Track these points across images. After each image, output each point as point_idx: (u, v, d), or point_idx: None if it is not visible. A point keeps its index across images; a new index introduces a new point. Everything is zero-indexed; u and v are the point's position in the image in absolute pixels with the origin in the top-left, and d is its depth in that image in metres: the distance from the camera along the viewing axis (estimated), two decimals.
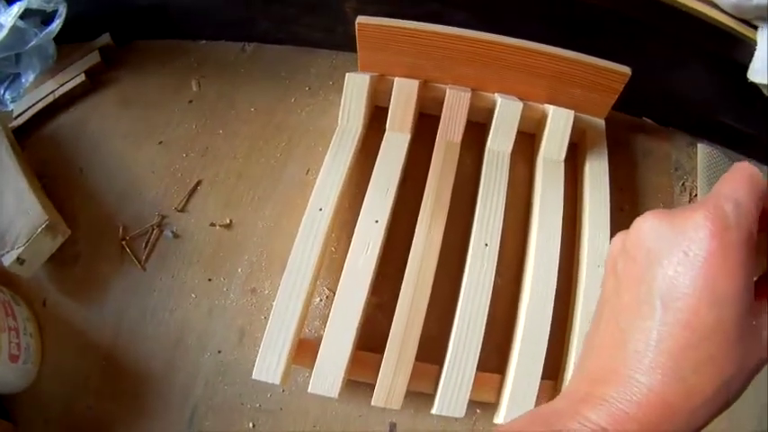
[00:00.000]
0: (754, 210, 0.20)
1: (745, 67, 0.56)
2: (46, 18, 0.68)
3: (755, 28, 0.56)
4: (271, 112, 0.64)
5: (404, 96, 0.58)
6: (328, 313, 0.51)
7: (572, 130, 0.59)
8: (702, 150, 0.66)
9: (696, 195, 0.65)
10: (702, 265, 0.20)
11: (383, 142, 0.58)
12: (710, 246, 0.20)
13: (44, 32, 0.67)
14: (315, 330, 0.56)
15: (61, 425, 0.54)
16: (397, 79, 0.59)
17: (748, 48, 0.56)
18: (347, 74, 0.58)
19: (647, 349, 0.21)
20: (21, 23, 0.66)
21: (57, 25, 0.66)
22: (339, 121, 0.59)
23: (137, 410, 0.54)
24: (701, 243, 0.20)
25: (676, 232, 0.21)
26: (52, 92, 0.68)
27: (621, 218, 0.61)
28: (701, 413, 0.20)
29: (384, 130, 0.59)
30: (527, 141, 0.63)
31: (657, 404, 0.20)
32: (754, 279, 0.21)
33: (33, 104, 0.68)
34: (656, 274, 0.21)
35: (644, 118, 0.68)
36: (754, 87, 0.56)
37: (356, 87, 0.58)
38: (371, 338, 0.53)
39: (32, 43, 0.67)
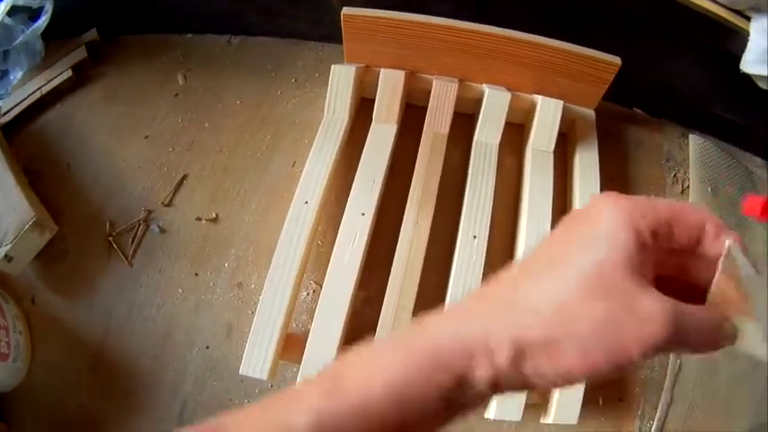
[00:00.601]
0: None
1: (738, 58, 0.55)
2: (33, 14, 0.67)
3: (748, 19, 0.54)
4: (257, 104, 0.63)
5: (390, 87, 0.57)
6: (315, 307, 0.49)
7: (561, 121, 0.58)
8: (694, 141, 0.65)
9: (688, 186, 0.63)
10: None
11: (369, 134, 0.56)
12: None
13: (31, 29, 0.65)
14: (302, 325, 0.54)
15: (52, 422, 0.53)
16: (383, 70, 0.57)
17: (741, 39, 0.55)
18: (333, 65, 0.57)
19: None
20: (7, 20, 0.65)
21: (43, 21, 0.65)
22: (325, 113, 0.57)
23: (127, 407, 0.53)
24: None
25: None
26: (39, 88, 0.66)
27: None
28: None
29: (370, 121, 0.57)
30: (515, 132, 0.62)
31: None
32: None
33: (21, 101, 0.66)
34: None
35: (635, 109, 0.67)
36: (747, 78, 0.55)
37: (342, 79, 0.56)
38: (360, 332, 0.52)
39: (19, 40, 0.66)
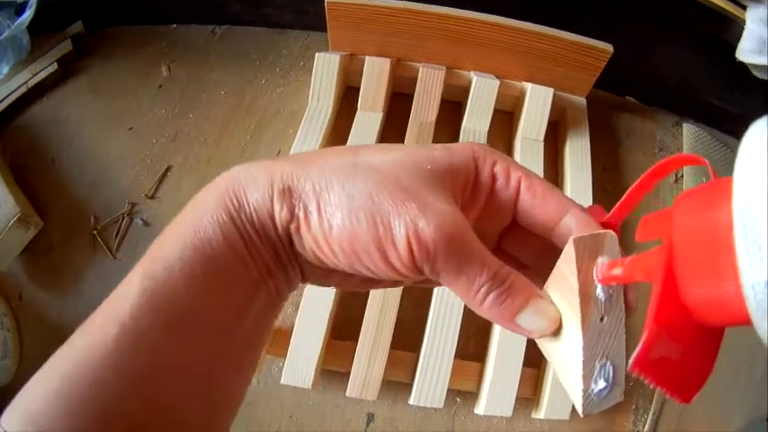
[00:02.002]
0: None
1: (733, 47, 0.53)
2: (18, 8, 0.64)
3: (744, 8, 0.52)
4: (241, 94, 0.60)
5: (375, 75, 0.54)
6: (301, 300, 0.47)
7: (552, 109, 0.55)
8: (688, 130, 0.62)
9: (682, 176, 0.60)
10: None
11: (354, 122, 0.54)
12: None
13: (16, 23, 0.63)
14: (289, 318, 0.52)
15: None
16: (368, 58, 0.54)
17: (737, 27, 0.52)
18: (317, 53, 0.54)
19: None
20: None
21: (28, 15, 0.62)
22: (309, 102, 0.55)
23: None
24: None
25: None
26: (25, 82, 0.64)
27: (605, 198, 0.57)
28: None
29: (356, 110, 0.55)
30: (505, 120, 0.59)
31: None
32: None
33: (6, 96, 0.64)
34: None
35: (627, 97, 0.64)
36: (742, 67, 0.53)
37: (326, 67, 0.53)
38: (346, 326, 0.49)
39: (5, 35, 0.63)
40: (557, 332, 0.18)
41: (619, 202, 0.20)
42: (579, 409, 0.18)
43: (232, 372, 0.20)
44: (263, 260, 0.19)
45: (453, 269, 0.18)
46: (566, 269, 0.18)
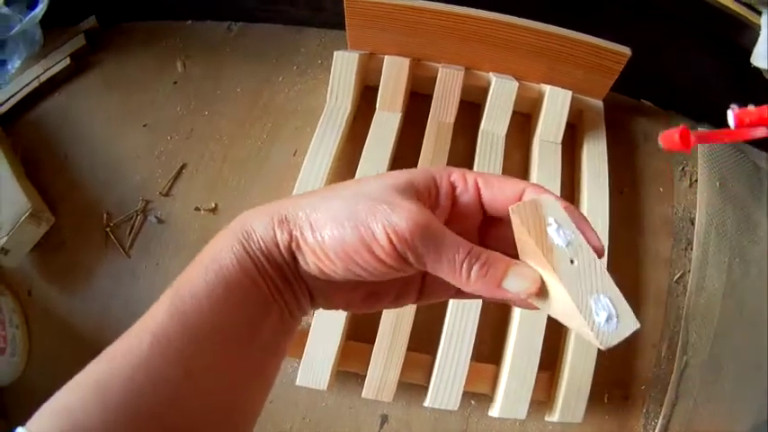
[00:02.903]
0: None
1: (748, 52, 0.52)
2: (31, 2, 0.63)
3: (759, 13, 0.52)
4: (257, 92, 0.59)
5: (394, 74, 0.53)
6: None
7: (569, 112, 0.54)
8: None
9: (696, 180, 0.59)
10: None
11: (373, 122, 0.52)
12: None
13: (28, 17, 0.62)
14: (305, 319, 0.51)
15: None
16: (387, 57, 0.53)
17: (752, 32, 0.52)
18: (335, 52, 0.53)
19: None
20: (5, 10, 0.61)
21: (41, 9, 0.61)
22: (327, 101, 0.53)
23: None
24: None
25: None
26: (37, 77, 0.63)
27: (620, 201, 0.56)
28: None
29: (374, 109, 0.53)
30: (522, 122, 0.58)
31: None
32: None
33: (18, 90, 0.63)
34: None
35: (643, 101, 0.63)
36: (757, 72, 0.52)
37: (345, 66, 0.52)
38: (362, 328, 0.49)
39: (17, 29, 0.62)
40: (544, 292, 0.21)
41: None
42: (598, 345, 0.19)
43: (251, 379, 0.23)
44: (272, 280, 0.22)
45: (433, 252, 0.20)
46: (520, 234, 0.21)
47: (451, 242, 0.21)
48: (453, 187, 0.23)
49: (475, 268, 0.20)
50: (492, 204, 0.23)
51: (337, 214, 0.21)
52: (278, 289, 0.22)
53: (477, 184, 0.23)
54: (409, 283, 0.25)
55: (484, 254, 0.21)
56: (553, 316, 0.21)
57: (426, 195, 0.22)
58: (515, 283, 0.21)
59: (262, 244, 0.22)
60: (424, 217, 0.20)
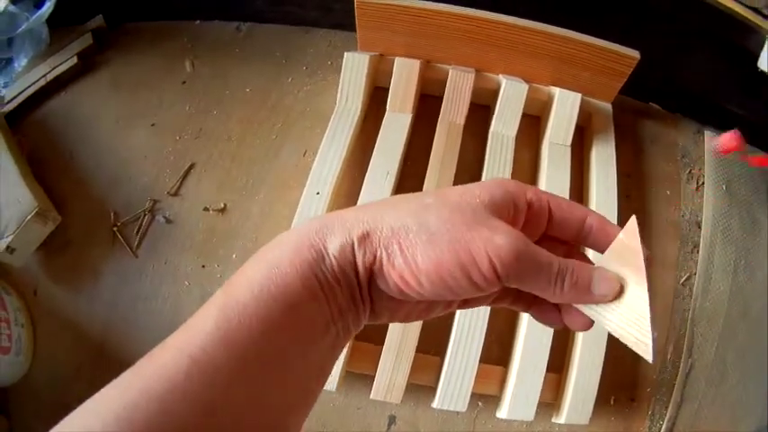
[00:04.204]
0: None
1: (755, 56, 0.53)
2: (38, 1, 0.62)
3: (766, 18, 0.52)
4: (266, 92, 0.58)
5: (405, 75, 0.53)
6: None
7: (578, 114, 0.54)
8: (709, 138, 0.61)
9: (702, 183, 0.59)
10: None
11: (383, 123, 0.52)
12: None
13: (35, 16, 0.61)
14: None
15: (53, 416, 0.49)
16: (398, 58, 0.53)
17: (759, 37, 0.52)
18: (346, 53, 0.52)
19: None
20: (12, 8, 0.61)
21: (48, 8, 0.61)
22: (337, 102, 0.53)
23: None
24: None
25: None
26: (44, 76, 0.62)
27: (628, 205, 0.56)
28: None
29: (384, 111, 0.53)
30: (532, 124, 0.58)
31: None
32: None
33: (25, 89, 0.62)
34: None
35: (651, 104, 0.63)
36: (763, 76, 0.53)
37: (355, 67, 0.52)
38: (371, 330, 0.48)
39: (24, 27, 0.62)
40: (618, 296, 0.22)
41: None
42: (651, 358, 0.21)
43: (295, 404, 0.21)
44: (338, 303, 0.20)
45: (533, 272, 0.20)
46: (629, 239, 0.22)
47: (547, 260, 0.21)
48: (530, 205, 0.23)
49: (567, 279, 0.21)
50: (561, 221, 0.23)
51: (432, 234, 0.19)
52: (341, 310, 0.21)
53: (549, 205, 0.23)
54: None
55: (570, 264, 0.21)
56: (607, 328, 0.22)
57: (506, 214, 0.22)
58: (604, 287, 0.22)
59: (335, 264, 0.20)
60: (523, 239, 0.20)
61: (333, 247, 0.20)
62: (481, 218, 0.20)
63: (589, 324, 0.23)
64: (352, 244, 0.20)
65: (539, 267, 0.20)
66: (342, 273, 0.20)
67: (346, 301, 0.20)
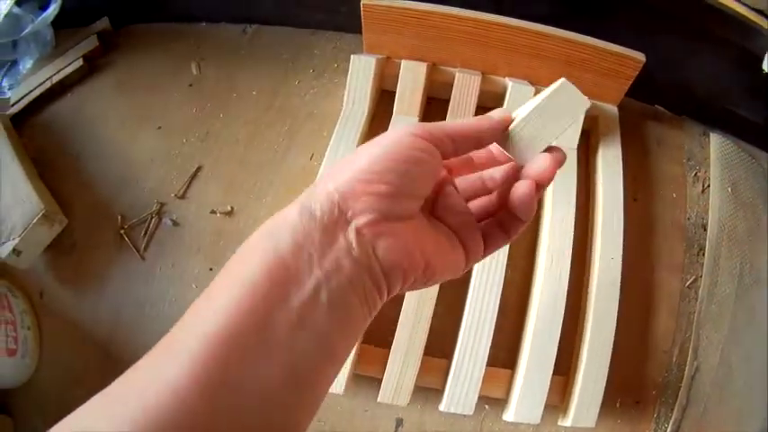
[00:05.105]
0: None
1: (761, 58, 0.52)
2: (43, 3, 0.63)
3: None
4: (273, 95, 0.59)
5: (411, 78, 0.53)
6: None
7: (584, 117, 0.54)
8: (715, 140, 0.61)
9: (709, 186, 0.59)
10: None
11: (390, 126, 0.52)
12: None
13: (40, 18, 0.61)
14: None
15: (58, 418, 0.49)
16: (404, 62, 0.53)
17: (764, 39, 0.52)
18: (353, 56, 0.52)
19: None
20: (17, 10, 0.61)
21: (53, 10, 0.61)
22: (344, 105, 0.53)
23: None
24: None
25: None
26: (49, 78, 0.62)
27: (634, 207, 0.56)
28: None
29: (391, 114, 0.53)
30: None
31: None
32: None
33: (30, 91, 0.62)
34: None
35: (657, 106, 0.63)
36: None
37: (362, 70, 0.52)
38: (378, 332, 0.48)
39: (29, 29, 0.62)
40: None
41: None
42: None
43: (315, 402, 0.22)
44: (375, 305, 0.23)
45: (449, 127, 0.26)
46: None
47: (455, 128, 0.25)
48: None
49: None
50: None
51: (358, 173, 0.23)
52: (373, 301, 0.23)
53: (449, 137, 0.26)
54: (455, 243, 0.27)
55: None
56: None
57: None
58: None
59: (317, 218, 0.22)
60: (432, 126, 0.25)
61: (314, 205, 0.23)
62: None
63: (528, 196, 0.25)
64: (327, 197, 0.23)
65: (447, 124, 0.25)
66: (362, 266, 0.22)
67: (374, 288, 0.22)
